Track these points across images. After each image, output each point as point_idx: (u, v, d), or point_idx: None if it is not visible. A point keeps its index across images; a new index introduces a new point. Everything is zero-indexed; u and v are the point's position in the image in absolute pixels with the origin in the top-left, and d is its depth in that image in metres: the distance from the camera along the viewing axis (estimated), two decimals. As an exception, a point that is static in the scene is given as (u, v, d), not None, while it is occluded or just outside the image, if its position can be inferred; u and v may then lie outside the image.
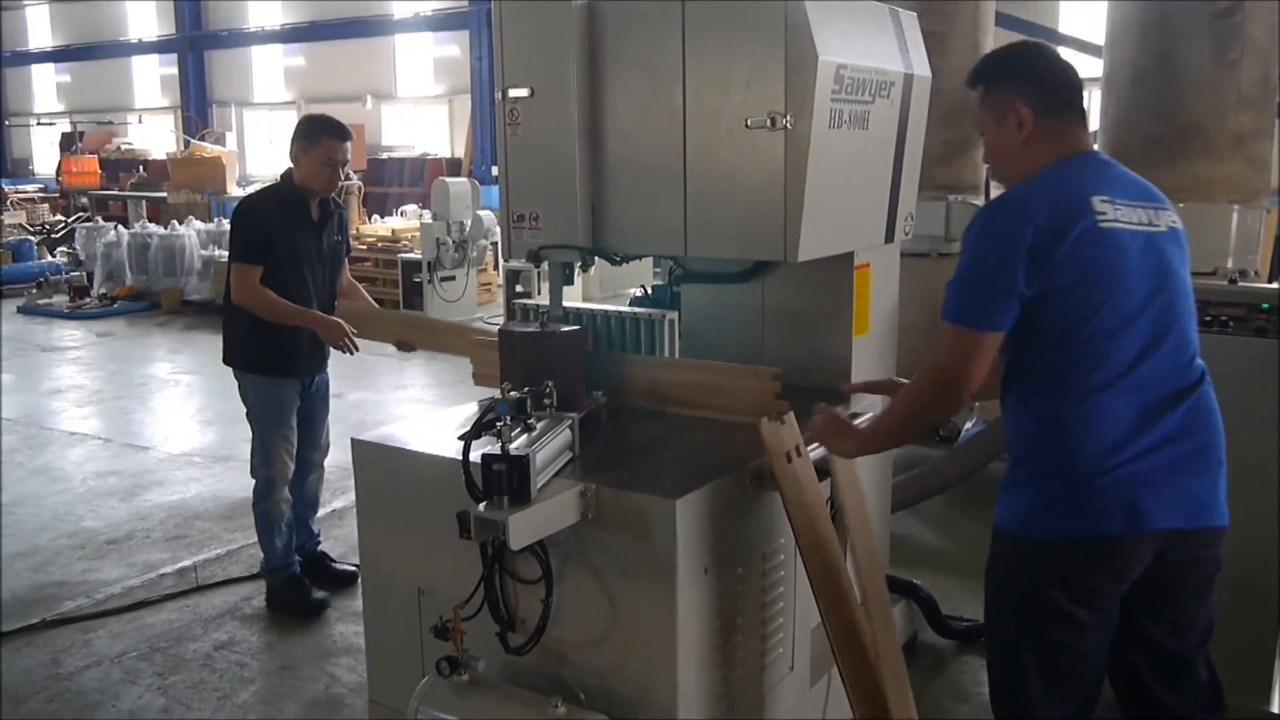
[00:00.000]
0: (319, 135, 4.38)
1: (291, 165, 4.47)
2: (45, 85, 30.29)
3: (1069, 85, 2.54)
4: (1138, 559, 2.36)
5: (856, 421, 3.07)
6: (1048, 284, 2.31)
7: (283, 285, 4.38)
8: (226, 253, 4.56)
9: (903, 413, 2.63)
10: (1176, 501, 2.32)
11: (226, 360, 4.64)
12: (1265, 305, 3.32)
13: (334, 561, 5.02)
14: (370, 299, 4.94)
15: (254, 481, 4.63)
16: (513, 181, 3.34)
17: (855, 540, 2.97)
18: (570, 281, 3.46)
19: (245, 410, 4.62)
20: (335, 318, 4.38)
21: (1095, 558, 2.35)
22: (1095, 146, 2.55)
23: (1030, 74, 2.54)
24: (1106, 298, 2.31)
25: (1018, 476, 2.45)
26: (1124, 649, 2.51)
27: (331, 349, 4.54)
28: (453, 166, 19.44)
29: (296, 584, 4.69)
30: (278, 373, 4.53)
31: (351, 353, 4.39)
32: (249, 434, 4.57)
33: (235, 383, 4.60)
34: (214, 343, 10.96)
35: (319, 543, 5.03)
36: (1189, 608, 2.48)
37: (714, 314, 3.71)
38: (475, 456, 2.57)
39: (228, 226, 14.11)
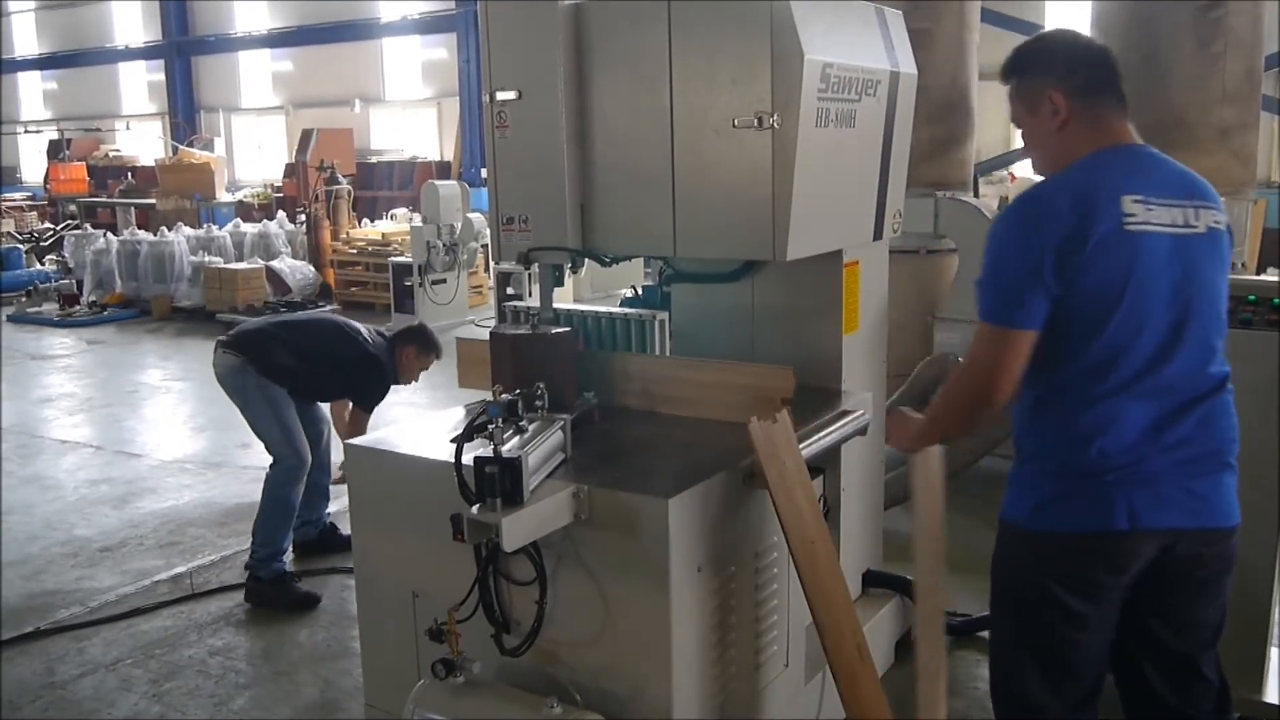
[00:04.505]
0: (429, 348, 5.17)
1: (396, 356, 5.08)
2: (32, 93, 30.18)
3: (1103, 67, 2.46)
4: (1138, 555, 2.36)
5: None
6: (1071, 285, 2.27)
7: (317, 390, 5.01)
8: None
9: (942, 406, 2.59)
10: (1179, 501, 2.32)
11: (238, 347, 4.80)
12: (1252, 298, 3.33)
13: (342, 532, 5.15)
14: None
15: (278, 467, 4.75)
16: (502, 184, 3.35)
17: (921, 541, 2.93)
18: (560, 283, 3.47)
19: (246, 405, 4.78)
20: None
21: (1098, 552, 2.35)
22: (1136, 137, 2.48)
23: (1061, 59, 2.47)
24: (1125, 303, 2.28)
25: (1026, 472, 2.44)
26: (1129, 648, 2.51)
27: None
28: (442, 169, 19.40)
29: (288, 579, 4.76)
30: (276, 380, 4.78)
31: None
32: (241, 440, 4.61)
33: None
34: (205, 349, 10.90)
35: (329, 512, 5.33)
36: (1194, 607, 2.47)
37: (704, 313, 3.72)
38: (468, 459, 2.58)
39: (217, 232, 14.23)
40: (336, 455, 4.67)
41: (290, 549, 4.91)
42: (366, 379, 4.99)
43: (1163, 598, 2.44)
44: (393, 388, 5.10)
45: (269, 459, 4.79)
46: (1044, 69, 2.46)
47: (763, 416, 2.83)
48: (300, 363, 4.83)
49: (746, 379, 3.33)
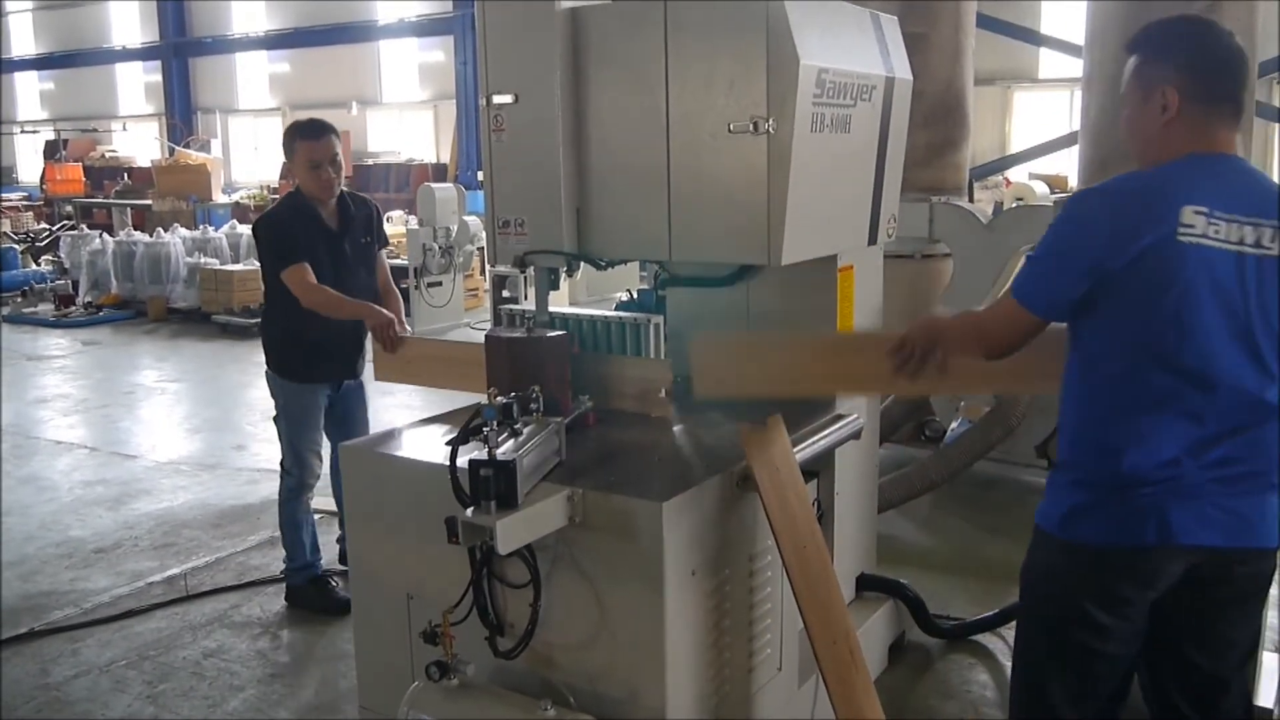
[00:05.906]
0: (292, 141, 4.54)
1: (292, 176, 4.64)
2: (29, 93, 30.15)
3: (1228, 76, 2.35)
4: (1165, 572, 2.31)
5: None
6: (1109, 291, 2.22)
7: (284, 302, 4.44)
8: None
9: (958, 328, 2.64)
10: (1215, 519, 2.26)
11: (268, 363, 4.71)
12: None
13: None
14: (400, 308, 4.76)
15: (282, 483, 4.71)
16: (498, 187, 3.36)
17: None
18: (556, 286, 3.47)
19: (277, 414, 4.71)
20: (388, 312, 4.29)
21: (1124, 566, 2.32)
22: (1239, 149, 2.38)
23: (1186, 56, 2.34)
24: (1171, 316, 2.19)
25: (1061, 478, 2.41)
26: (1158, 668, 2.47)
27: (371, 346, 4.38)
28: (438, 172, 19.40)
29: (321, 583, 4.74)
30: (305, 378, 4.60)
31: (391, 349, 4.13)
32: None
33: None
34: (200, 350, 11.02)
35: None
36: (1227, 627, 2.42)
37: (699, 317, 3.72)
38: (462, 462, 2.58)
39: (213, 234, 14.17)
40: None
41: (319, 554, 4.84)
42: (265, 239, 4.54)
43: (1194, 618, 2.39)
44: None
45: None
46: (1166, 59, 2.35)
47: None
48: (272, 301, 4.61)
49: (630, 370, 3.42)
